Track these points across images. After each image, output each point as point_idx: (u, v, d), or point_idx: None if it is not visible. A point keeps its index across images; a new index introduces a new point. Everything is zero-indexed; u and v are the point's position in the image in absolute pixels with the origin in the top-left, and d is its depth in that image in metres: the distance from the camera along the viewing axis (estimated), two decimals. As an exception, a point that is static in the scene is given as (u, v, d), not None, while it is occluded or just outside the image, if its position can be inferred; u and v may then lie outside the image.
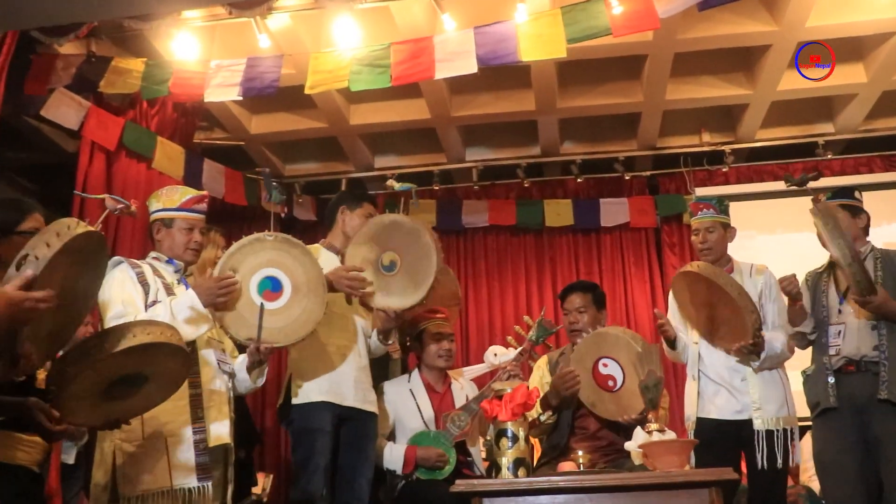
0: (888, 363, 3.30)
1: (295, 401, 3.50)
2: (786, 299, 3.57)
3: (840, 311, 3.48)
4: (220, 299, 3.04)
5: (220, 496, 3.07)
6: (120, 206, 2.71)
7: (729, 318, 3.57)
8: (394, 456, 3.80)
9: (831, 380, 3.39)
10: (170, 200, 3.20)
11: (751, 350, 3.54)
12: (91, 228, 2.28)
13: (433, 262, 3.50)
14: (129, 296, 2.98)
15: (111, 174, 5.34)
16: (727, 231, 3.84)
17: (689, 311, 3.79)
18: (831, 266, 3.61)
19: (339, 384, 3.53)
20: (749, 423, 3.59)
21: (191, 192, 3.25)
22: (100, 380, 2.46)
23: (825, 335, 3.47)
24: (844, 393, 3.37)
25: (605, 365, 3.62)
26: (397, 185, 3.91)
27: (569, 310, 4.00)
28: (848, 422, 3.35)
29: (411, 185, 3.87)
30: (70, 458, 4.26)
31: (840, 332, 3.43)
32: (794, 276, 3.53)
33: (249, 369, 3.20)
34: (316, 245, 3.75)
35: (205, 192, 3.31)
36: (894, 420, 3.26)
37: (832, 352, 3.43)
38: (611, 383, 3.62)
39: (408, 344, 4.21)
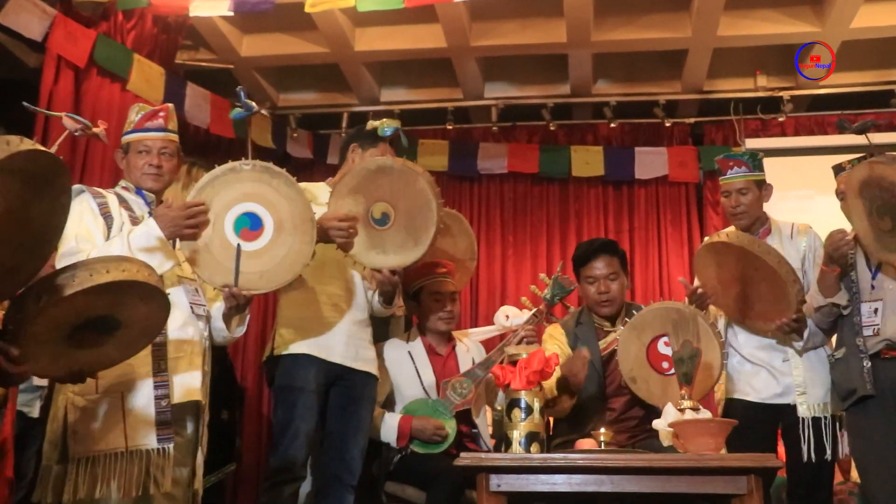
0: None
1: (276, 352, 3.46)
2: None
3: (873, 287, 3.39)
4: (188, 230, 2.96)
5: (189, 461, 3.03)
6: (79, 126, 2.62)
7: (766, 294, 3.50)
8: (388, 427, 3.78)
9: (867, 364, 3.31)
10: (128, 123, 3.15)
11: (792, 328, 3.48)
12: (38, 147, 2.18)
13: (433, 209, 3.39)
14: (85, 230, 2.92)
15: (80, 95, 5.24)
16: (762, 190, 3.74)
17: (714, 291, 3.67)
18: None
19: (327, 337, 3.48)
20: (790, 408, 3.57)
21: (146, 109, 3.17)
22: (65, 321, 2.39)
23: (857, 313, 3.39)
24: (883, 379, 3.30)
25: (666, 344, 3.48)
26: (382, 129, 3.65)
27: (594, 277, 3.83)
28: (890, 411, 3.29)
29: (395, 123, 3.68)
30: (34, 411, 4.22)
31: (877, 309, 3.35)
32: (844, 232, 3.39)
33: (227, 317, 3.14)
34: (321, 183, 3.66)
35: (162, 106, 3.21)
36: None
37: (868, 332, 3.35)
38: (665, 365, 3.51)
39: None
